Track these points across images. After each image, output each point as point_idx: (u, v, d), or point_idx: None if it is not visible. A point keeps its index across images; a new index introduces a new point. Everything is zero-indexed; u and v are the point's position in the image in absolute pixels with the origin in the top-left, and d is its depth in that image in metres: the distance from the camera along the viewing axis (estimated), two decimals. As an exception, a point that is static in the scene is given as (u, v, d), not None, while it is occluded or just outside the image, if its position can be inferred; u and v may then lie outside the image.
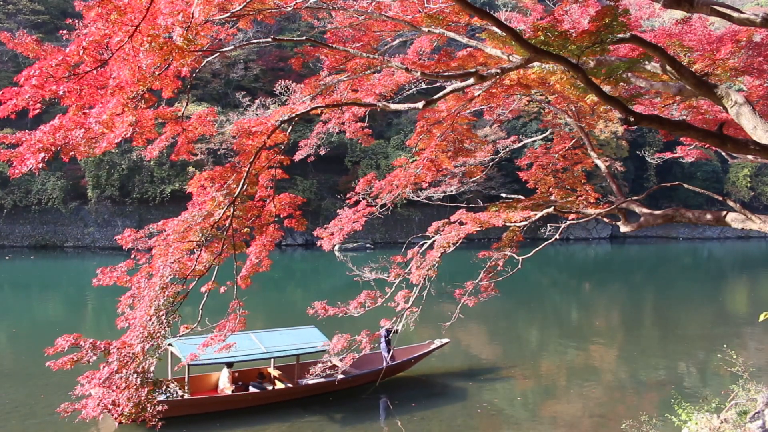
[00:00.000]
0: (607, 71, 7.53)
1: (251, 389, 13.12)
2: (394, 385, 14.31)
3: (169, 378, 12.78)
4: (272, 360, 13.79)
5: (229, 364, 13.10)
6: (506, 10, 27.21)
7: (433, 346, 15.68)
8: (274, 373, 13.82)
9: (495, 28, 7.30)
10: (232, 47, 8.68)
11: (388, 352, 14.71)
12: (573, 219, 10.61)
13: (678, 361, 17.03)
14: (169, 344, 12.24)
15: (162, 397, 11.70)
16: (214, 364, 12.70)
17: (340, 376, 13.06)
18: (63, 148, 5.58)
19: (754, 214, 8.09)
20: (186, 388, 12.40)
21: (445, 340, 16.04)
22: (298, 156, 11.90)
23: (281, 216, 8.39)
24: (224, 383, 13.16)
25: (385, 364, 14.35)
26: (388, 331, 14.59)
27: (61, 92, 5.42)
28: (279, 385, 13.47)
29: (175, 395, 12.17)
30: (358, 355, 11.15)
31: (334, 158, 45.54)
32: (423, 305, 10.17)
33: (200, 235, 6.87)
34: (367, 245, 48.20)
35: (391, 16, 9.18)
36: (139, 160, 44.20)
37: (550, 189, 11.74)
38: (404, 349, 15.74)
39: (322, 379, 13.15)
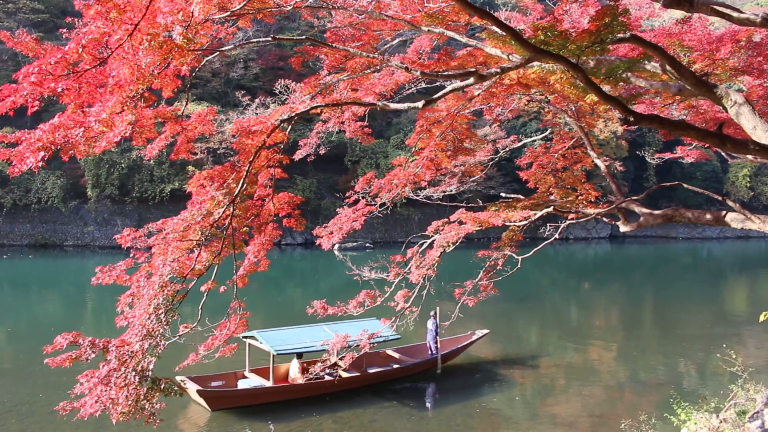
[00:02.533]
0: (606, 71, 7.52)
1: (326, 378, 13.68)
2: (394, 385, 14.32)
3: (247, 369, 13.95)
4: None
5: (299, 355, 13.84)
6: (506, 10, 27.19)
7: (474, 337, 16.67)
8: (341, 362, 14.33)
9: (495, 28, 7.30)
10: (232, 46, 8.66)
11: (435, 343, 15.68)
12: (572, 219, 10.61)
13: (677, 361, 17.04)
14: (247, 337, 13.65)
15: (248, 386, 13.16)
16: (300, 352, 13.74)
17: (395, 366, 14.86)
18: (62, 146, 5.57)
19: (753, 213, 8.09)
20: (271, 377, 13.36)
21: (485, 331, 17.04)
22: (298, 155, 11.90)
23: (280, 215, 8.39)
24: (295, 373, 13.81)
25: (430, 354, 15.58)
26: (436, 325, 15.66)
27: (60, 90, 5.40)
28: (344, 374, 14.12)
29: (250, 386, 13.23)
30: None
31: (333, 157, 45.53)
32: (422, 304, 10.17)
33: (200, 234, 6.85)
34: (367, 244, 48.21)
35: (390, 16, 9.17)
36: (139, 159, 44.21)
37: (550, 188, 11.75)
38: (448, 340, 16.53)
39: (384, 368, 14.70)
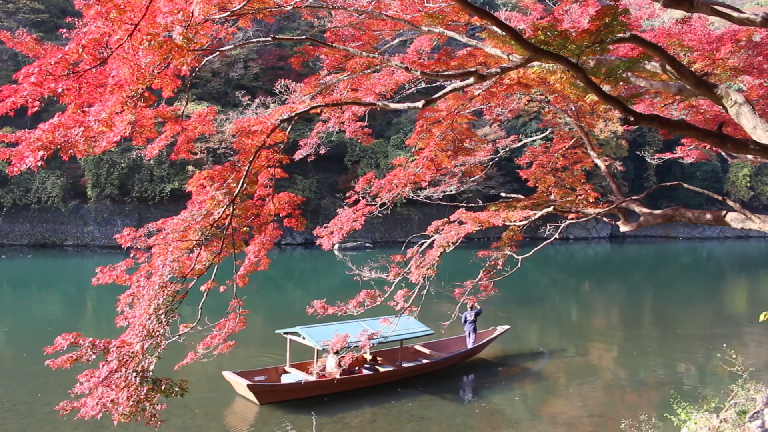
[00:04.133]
0: (606, 71, 7.52)
1: (364, 372, 14.16)
2: (392, 385, 14.32)
3: (288, 364, 14.39)
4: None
5: (336, 351, 14.05)
6: (506, 10, 27.20)
7: (496, 333, 17.36)
8: (377, 357, 15.07)
9: (495, 28, 7.30)
10: (232, 46, 8.65)
11: (473, 334, 16.31)
12: (573, 218, 10.61)
13: (677, 361, 17.04)
14: (288, 333, 14.30)
15: (291, 380, 13.46)
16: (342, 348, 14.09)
17: (425, 361, 15.53)
18: (62, 146, 5.56)
19: (753, 213, 8.09)
20: (315, 372, 13.81)
21: (506, 327, 17.80)
22: (298, 155, 11.90)
23: (280, 215, 8.38)
24: (331, 368, 14.06)
25: (468, 346, 16.29)
26: (477, 314, 16.29)
27: (60, 90, 5.40)
28: (380, 369, 14.56)
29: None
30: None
31: (333, 157, 45.55)
32: (422, 304, 10.17)
33: (200, 233, 6.84)
34: (367, 244, 48.20)
35: (390, 15, 9.17)
36: (139, 158, 44.21)
37: (550, 188, 11.75)
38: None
39: (418, 363, 15.30)
